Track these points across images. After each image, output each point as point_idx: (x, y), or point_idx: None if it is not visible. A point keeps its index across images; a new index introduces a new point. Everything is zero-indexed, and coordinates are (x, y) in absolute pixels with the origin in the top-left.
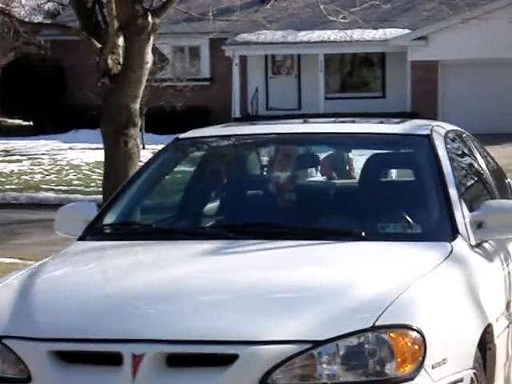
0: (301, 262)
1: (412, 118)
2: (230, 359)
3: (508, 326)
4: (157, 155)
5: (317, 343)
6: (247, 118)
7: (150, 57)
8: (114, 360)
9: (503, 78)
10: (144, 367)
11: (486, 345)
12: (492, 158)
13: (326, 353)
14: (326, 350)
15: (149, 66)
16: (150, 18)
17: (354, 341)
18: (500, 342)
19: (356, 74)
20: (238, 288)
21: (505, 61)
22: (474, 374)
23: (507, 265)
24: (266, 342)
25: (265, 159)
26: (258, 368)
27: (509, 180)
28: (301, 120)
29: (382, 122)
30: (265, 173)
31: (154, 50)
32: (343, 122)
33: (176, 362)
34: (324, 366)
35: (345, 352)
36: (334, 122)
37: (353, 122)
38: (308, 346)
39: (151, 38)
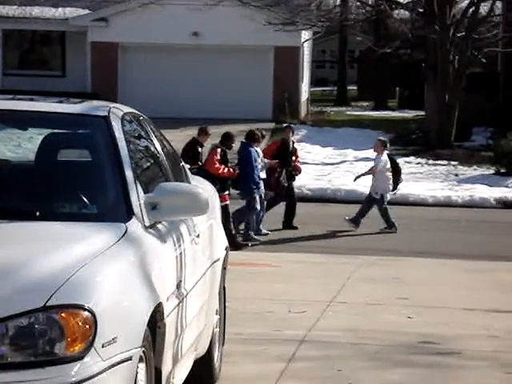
0: None
1: (92, 99)
2: None
3: (178, 305)
4: None
5: None
6: None
7: None
8: None
9: (182, 63)
10: None
11: (155, 323)
12: (168, 142)
13: None
14: None
15: None
16: None
17: (23, 321)
18: (170, 321)
19: (36, 52)
20: None
21: (184, 46)
22: (143, 352)
23: (179, 245)
24: None
25: None
26: None
27: (183, 164)
28: None
29: (61, 102)
30: None
31: None
32: (21, 100)
33: None
34: None
35: (14, 332)
36: (12, 99)
37: (31, 100)
38: None
39: None
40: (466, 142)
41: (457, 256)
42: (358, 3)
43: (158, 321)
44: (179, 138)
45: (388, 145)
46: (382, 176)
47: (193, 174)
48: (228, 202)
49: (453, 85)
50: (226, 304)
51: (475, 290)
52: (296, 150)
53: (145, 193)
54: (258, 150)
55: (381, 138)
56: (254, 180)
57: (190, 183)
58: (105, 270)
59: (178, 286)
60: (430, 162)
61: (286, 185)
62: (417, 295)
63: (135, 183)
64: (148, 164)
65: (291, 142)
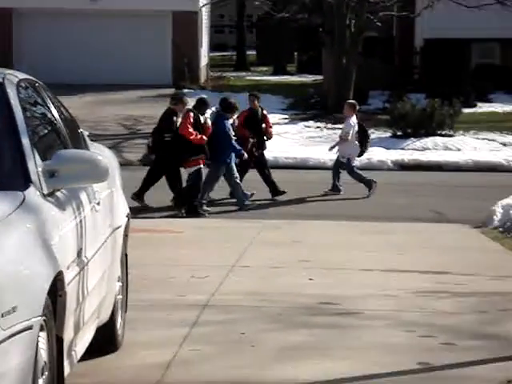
0: None
1: None
2: None
3: (79, 274)
4: None
5: None
6: None
7: None
8: None
9: (80, 29)
10: None
11: (56, 292)
12: (66, 109)
13: None
14: None
15: None
16: None
17: None
18: (71, 289)
19: None
20: None
21: (81, 11)
22: (44, 321)
23: (79, 213)
24: None
25: None
26: None
27: (82, 130)
28: None
29: None
30: None
31: None
32: None
33: None
34: None
35: None
36: None
37: None
38: None
39: None
40: (363, 106)
41: (356, 218)
42: None
43: (58, 289)
44: (77, 105)
45: (357, 107)
46: (350, 140)
47: (167, 142)
48: (201, 166)
49: (349, 49)
50: (129, 271)
51: (374, 251)
52: (265, 116)
53: (43, 160)
54: (230, 121)
55: (350, 100)
56: (228, 152)
57: (89, 150)
58: (2, 239)
59: (79, 254)
60: (329, 125)
61: (257, 154)
62: (317, 257)
63: (32, 151)
64: (45, 131)
65: (259, 109)
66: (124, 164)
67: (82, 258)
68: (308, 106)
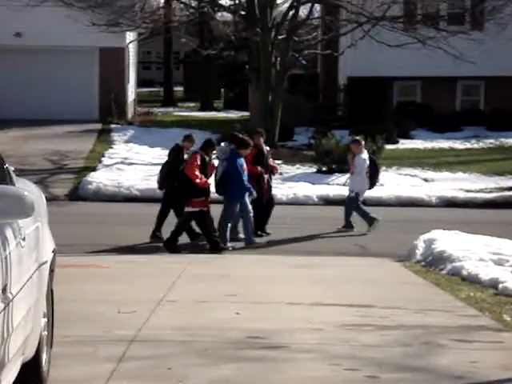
0: None
1: None
2: None
3: (4, 309)
4: None
5: None
6: None
7: None
8: None
9: (6, 64)
10: None
11: None
12: None
13: None
14: None
15: None
16: None
17: None
18: None
19: None
20: None
21: (7, 47)
22: None
23: (4, 249)
24: None
25: None
26: None
27: (7, 165)
28: None
29: None
30: None
31: None
32: None
33: None
34: None
35: None
36: None
37: None
38: None
39: None
40: (289, 142)
41: (281, 252)
42: (182, 5)
43: None
44: (3, 140)
45: (364, 143)
46: (361, 175)
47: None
48: (203, 209)
49: (275, 86)
50: (54, 307)
51: (300, 285)
52: (269, 151)
53: None
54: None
55: (356, 137)
56: (240, 188)
57: (14, 185)
58: None
59: (4, 290)
60: None
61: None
62: (245, 291)
63: None
64: None
65: (263, 146)
66: (50, 199)
67: (7, 294)
68: None
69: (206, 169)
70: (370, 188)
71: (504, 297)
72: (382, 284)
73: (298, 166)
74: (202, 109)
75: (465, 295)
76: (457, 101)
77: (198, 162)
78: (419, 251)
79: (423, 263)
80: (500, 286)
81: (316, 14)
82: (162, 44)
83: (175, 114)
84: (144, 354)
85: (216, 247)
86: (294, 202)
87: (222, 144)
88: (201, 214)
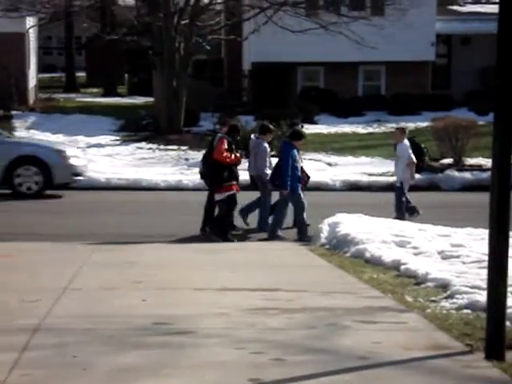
0: None
1: None
2: None
3: None
4: None
5: None
6: None
7: None
8: None
9: None
10: None
11: None
12: None
13: None
14: None
15: None
16: None
17: None
18: None
19: None
20: None
21: None
22: None
23: None
24: None
25: None
26: None
27: None
28: None
29: None
30: None
31: None
32: None
33: None
34: None
35: None
36: None
37: None
38: None
39: None
40: (194, 127)
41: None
42: None
43: None
44: None
45: (407, 131)
46: (403, 164)
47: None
48: (233, 192)
49: (180, 71)
50: None
51: (207, 270)
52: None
53: None
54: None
55: (399, 125)
56: (295, 179)
57: None
58: None
59: None
60: (161, 147)
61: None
62: (151, 278)
63: None
64: None
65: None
66: None
67: None
68: (140, 128)
69: (232, 151)
70: (418, 171)
71: (406, 278)
72: (289, 268)
73: (203, 151)
74: (105, 94)
75: (368, 277)
76: (359, 86)
77: (225, 146)
78: (324, 235)
79: (328, 246)
80: (402, 267)
81: (219, 0)
82: (63, 29)
83: (78, 99)
84: (49, 343)
85: (219, 234)
86: (200, 188)
87: (252, 136)
88: (231, 197)
